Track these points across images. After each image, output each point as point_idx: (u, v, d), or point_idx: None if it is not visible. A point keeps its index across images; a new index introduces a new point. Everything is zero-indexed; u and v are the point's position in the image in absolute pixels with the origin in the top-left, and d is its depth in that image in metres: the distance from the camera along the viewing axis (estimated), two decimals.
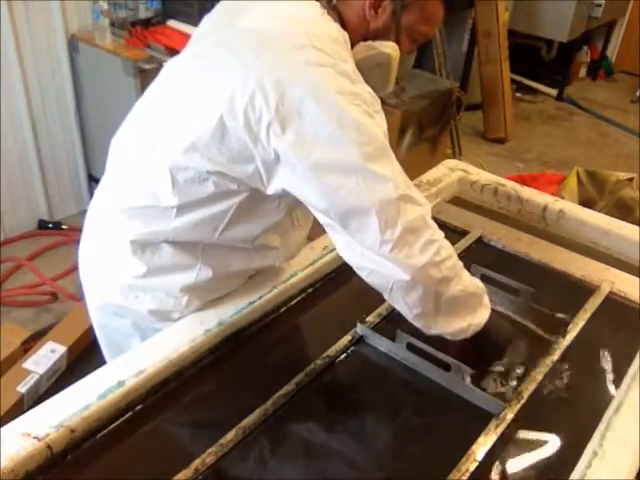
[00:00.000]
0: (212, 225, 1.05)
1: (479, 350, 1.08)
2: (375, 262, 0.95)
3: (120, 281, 1.12)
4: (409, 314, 1.01)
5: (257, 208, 1.05)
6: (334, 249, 1.30)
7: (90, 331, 2.30)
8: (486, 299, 1.06)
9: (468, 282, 1.02)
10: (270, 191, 0.99)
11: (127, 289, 1.11)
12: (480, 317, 1.04)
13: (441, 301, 0.99)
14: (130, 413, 0.95)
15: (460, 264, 1.02)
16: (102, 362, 1.13)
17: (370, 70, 1.03)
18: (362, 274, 0.99)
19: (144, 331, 1.14)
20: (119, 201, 1.10)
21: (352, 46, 1.02)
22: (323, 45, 0.94)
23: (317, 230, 1.31)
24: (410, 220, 0.93)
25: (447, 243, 0.99)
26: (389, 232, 0.92)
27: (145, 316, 1.12)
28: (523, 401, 1.03)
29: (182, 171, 1.00)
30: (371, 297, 1.23)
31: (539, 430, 1.00)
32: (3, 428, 0.86)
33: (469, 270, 1.26)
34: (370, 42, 1.04)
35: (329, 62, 0.93)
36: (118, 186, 1.13)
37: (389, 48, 1.04)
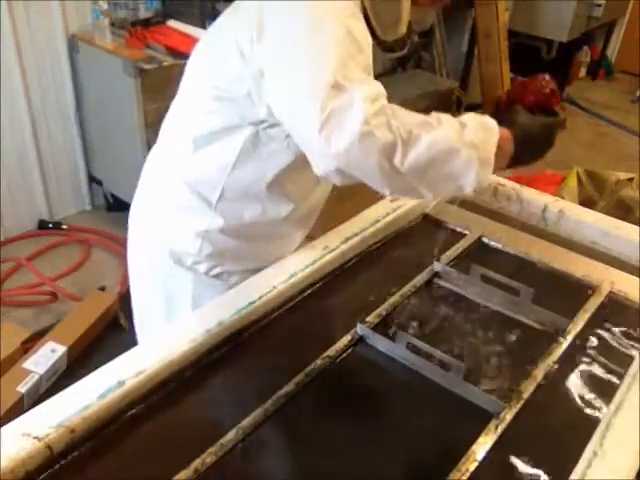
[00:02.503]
0: (224, 161, 1.12)
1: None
2: (324, 157, 0.94)
3: (150, 217, 1.27)
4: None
5: (265, 147, 1.10)
6: (334, 249, 1.30)
7: (90, 331, 2.31)
8: (480, 152, 0.96)
9: (439, 137, 0.94)
10: (262, 114, 1.04)
11: (154, 226, 1.26)
12: (473, 175, 0.97)
13: (403, 173, 0.94)
14: (130, 413, 0.95)
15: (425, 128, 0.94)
16: (102, 362, 1.12)
17: (380, 3, 1.04)
18: (336, 182, 0.99)
19: (165, 278, 1.25)
20: (160, 143, 1.27)
21: None
22: None
23: (317, 230, 1.31)
24: (338, 104, 0.90)
25: (396, 116, 0.93)
26: (320, 117, 0.90)
27: (166, 258, 1.21)
28: (523, 401, 1.03)
29: (198, 105, 1.13)
30: (371, 297, 1.24)
31: (538, 430, 1.00)
32: (3, 428, 0.86)
33: (468, 270, 1.27)
34: None
35: None
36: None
37: None
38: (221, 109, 1.09)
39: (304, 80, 0.94)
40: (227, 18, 1.13)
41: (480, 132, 0.98)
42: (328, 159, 0.94)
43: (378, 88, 0.95)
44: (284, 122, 1.01)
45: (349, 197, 1.05)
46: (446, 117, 0.98)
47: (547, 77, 1.15)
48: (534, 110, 1.12)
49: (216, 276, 1.25)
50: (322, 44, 0.93)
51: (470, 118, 1.00)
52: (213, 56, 1.12)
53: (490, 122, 1.02)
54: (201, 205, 1.17)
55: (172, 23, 2.85)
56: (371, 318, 1.16)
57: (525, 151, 1.07)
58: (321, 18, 0.94)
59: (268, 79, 0.99)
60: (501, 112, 1.14)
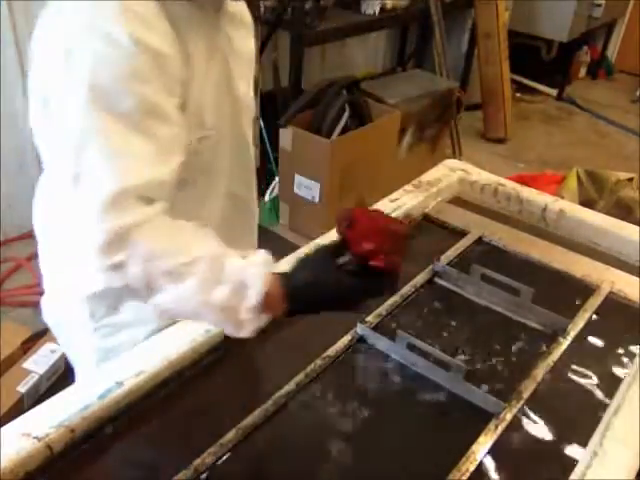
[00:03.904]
0: None
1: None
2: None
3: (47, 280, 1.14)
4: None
5: None
6: None
7: None
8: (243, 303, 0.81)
9: (185, 296, 0.80)
10: None
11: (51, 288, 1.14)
12: (231, 332, 0.85)
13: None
14: (130, 413, 0.95)
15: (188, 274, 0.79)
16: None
17: None
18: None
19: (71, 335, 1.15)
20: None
21: None
22: None
23: (317, 230, 1.31)
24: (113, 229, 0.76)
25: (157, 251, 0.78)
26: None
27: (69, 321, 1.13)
28: (523, 401, 1.03)
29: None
30: None
31: (538, 430, 1.00)
32: (3, 428, 0.86)
33: (469, 270, 1.27)
34: None
35: None
36: None
37: None
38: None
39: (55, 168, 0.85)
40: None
41: (233, 297, 0.81)
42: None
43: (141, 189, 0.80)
44: None
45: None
46: (205, 262, 0.80)
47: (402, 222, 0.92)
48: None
49: (119, 345, 1.09)
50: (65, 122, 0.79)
51: (234, 271, 0.81)
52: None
53: (252, 282, 0.81)
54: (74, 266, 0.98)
55: None
56: (371, 318, 1.16)
57: (314, 306, 0.92)
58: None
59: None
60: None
